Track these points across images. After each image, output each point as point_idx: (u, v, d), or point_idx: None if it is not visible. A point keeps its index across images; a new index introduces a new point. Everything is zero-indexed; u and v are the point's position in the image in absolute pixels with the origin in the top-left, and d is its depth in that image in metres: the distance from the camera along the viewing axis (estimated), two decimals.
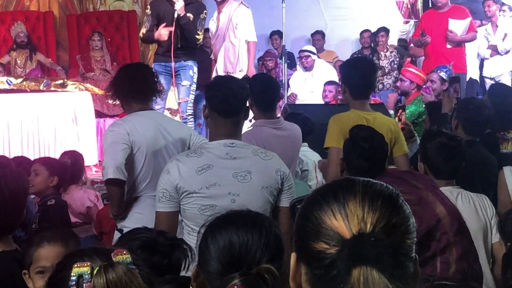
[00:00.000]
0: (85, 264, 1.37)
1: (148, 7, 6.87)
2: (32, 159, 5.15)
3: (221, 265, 1.61)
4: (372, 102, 7.54)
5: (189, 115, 6.71)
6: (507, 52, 8.82)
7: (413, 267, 1.17)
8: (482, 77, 9.14)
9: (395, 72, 9.19)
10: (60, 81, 7.45)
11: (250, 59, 7.29)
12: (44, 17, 9.98)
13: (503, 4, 9.18)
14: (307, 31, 10.53)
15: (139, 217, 3.68)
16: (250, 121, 4.68)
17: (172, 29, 6.39)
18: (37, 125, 6.90)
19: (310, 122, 5.04)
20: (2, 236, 2.40)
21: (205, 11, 6.70)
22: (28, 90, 7.18)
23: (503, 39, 8.78)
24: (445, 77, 6.13)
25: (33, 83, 7.26)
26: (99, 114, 7.89)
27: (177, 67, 6.61)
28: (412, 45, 9.55)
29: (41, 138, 6.89)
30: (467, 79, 8.47)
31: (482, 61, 9.15)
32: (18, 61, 9.28)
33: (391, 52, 9.52)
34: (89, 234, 4.93)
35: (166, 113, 8.49)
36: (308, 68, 8.91)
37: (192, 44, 6.61)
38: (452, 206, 2.92)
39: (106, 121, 7.84)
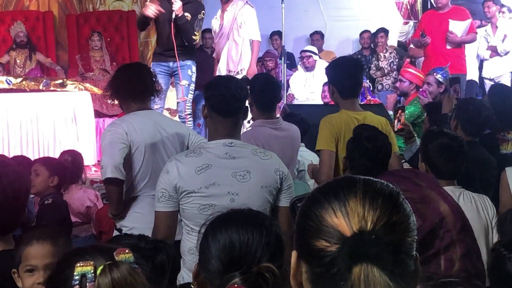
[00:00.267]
0: (88, 263, 1.36)
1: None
2: (31, 158, 5.15)
3: (221, 264, 1.61)
4: (371, 103, 7.57)
5: (188, 114, 6.71)
6: (506, 53, 8.82)
7: (414, 265, 1.17)
8: (481, 78, 9.14)
9: (394, 72, 9.19)
10: (60, 81, 7.44)
11: (253, 57, 7.28)
12: (44, 17, 9.98)
13: (502, 5, 9.18)
14: (307, 32, 10.54)
15: (138, 216, 3.69)
16: (249, 122, 4.68)
17: (158, 8, 6.34)
18: (37, 125, 6.89)
19: (306, 123, 5.04)
20: (2, 235, 2.40)
21: (203, 11, 6.69)
22: (28, 90, 7.17)
23: (503, 40, 8.78)
24: (441, 80, 6.13)
25: (33, 83, 7.26)
26: (98, 114, 7.89)
27: (176, 66, 6.61)
28: (411, 45, 9.55)
29: (41, 137, 6.89)
30: (467, 80, 8.47)
31: (481, 62, 9.15)
32: (18, 61, 9.28)
33: (390, 53, 9.52)
34: (88, 234, 4.94)
35: (166, 113, 8.51)
36: (309, 68, 8.91)
37: (187, 44, 6.61)
38: (455, 204, 2.92)
39: (105, 121, 7.84)
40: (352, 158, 3.29)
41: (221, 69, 7.33)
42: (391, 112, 6.23)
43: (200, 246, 1.69)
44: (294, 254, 1.23)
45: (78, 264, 1.36)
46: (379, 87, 9.34)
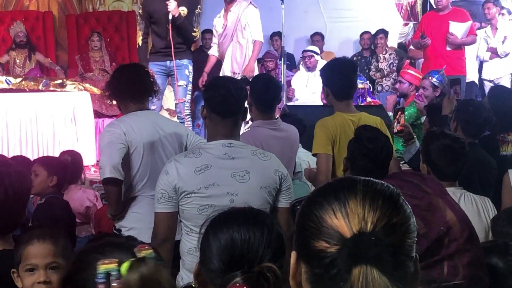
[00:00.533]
0: (112, 261, 1.33)
1: (140, 6, 6.85)
2: (30, 158, 5.15)
3: (222, 263, 1.60)
4: (371, 104, 7.57)
5: (186, 115, 6.71)
6: (506, 55, 8.82)
7: (414, 267, 1.17)
8: (481, 80, 9.14)
9: (394, 74, 9.19)
10: (59, 81, 7.43)
11: (252, 56, 7.26)
12: (43, 17, 9.99)
13: (502, 7, 9.19)
14: (307, 33, 10.54)
15: (137, 216, 3.68)
16: (247, 122, 4.68)
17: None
18: (36, 125, 6.88)
19: (302, 123, 5.03)
20: (3, 235, 2.40)
21: (199, 6, 6.69)
22: (27, 90, 7.17)
23: (503, 42, 8.78)
24: (436, 84, 6.13)
25: (32, 83, 7.25)
26: (97, 114, 7.89)
27: (173, 66, 6.59)
28: (411, 47, 9.55)
29: (40, 138, 6.88)
30: (466, 81, 8.47)
31: (481, 64, 9.15)
32: (17, 61, 9.28)
33: (390, 54, 9.52)
34: (88, 234, 4.93)
35: (165, 113, 8.50)
36: (311, 68, 8.91)
37: (187, 42, 6.60)
38: (462, 213, 2.90)
39: (104, 121, 7.83)
40: (353, 159, 3.29)
41: (225, 70, 7.32)
42: (390, 113, 6.23)
43: (201, 245, 1.68)
44: (293, 254, 1.22)
45: (102, 262, 1.32)
46: (379, 88, 9.34)
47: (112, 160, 3.58)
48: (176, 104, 6.79)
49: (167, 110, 8.68)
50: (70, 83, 7.36)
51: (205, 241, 1.66)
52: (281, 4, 7.86)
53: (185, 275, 2.91)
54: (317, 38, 10.34)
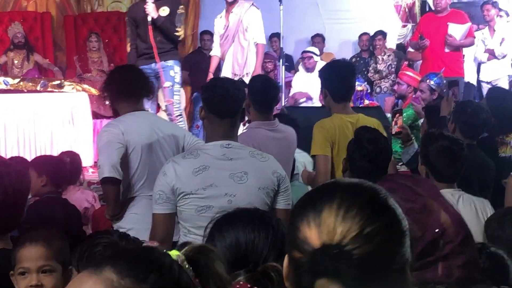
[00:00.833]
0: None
1: (127, 15, 6.90)
2: (28, 159, 5.13)
3: (227, 263, 1.61)
4: (369, 105, 7.57)
5: (177, 116, 6.70)
6: (504, 56, 8.83)
7: (399, 277, 1.14)
8: (479, 81, 9.14)
9: (393, 75, 9.19)
10: (57, 82, 7.43)
11: (258, 61, 7.26)
12: (42, 17, 9.97)
13: (500, 9, 9.19)
14: (306, 34, 10.53)
15: (135, 217, 3.68)
16: (244, 124, 4.67)
17: None
18: (34, 126, 6.88)
19: (296, 123, 5.01)
20: (2, 235, 2.39)
21: (181, 6, 6.68)
22: (25, 91, 7.16)
23: (501, 43, 8.78)
24: (434, 87, 6.13)
25: (30, 84, 7.25)
26: (96, 115, 7.88)
27: (158, 68, 6.60)
28: (410, 49, 9.55)
29: (38, 138, 6.87)
30: (464, 83, 8.47)
31: (479, 65, 9.14)
32: (15, 62, 9.26)
33: (388, 55, 9.52)
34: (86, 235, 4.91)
35: (163, 114, 8.50)
36: (310, 69, 8.91)
37: (172, 42, 6.61)
38: (457, 215, 2.89)
39: (103, 122, 7.81)
40: (352, 160, 3.29)
41: (226, 72, 7.31)
42: (389, 115, 6.23)
43: (206, 243, 1.68)
44: (286, 256, 1.23)
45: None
46: (377, 89, 9.34)
47: (110, 159, 3.57)
48: (166, 105, 6.79)
49: (165, 110, 8.67)
50: (68, 84, 7.35)
51: (211, 241, 1.67)
52: (280, 5, 7.86)
53: None
54: (318, 40, 10.34)
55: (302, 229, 1.15)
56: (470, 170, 3.68)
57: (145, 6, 6.41)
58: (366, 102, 7.84)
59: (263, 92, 4.10)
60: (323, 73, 4.13)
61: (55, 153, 6.13)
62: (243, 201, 2.81)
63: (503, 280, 2.44)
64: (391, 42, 10.29)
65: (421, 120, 5.84)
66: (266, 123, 4.07)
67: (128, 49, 6.88)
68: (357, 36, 10.16)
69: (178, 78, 6.72)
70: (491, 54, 8.88)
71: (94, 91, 7.41)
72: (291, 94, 8.73)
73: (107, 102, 3.94)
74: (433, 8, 8.45)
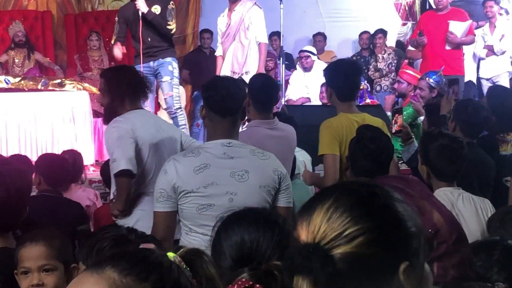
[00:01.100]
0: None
1: (117, 15, 6.95)
2: (30, 158, 5.15)
3: (232, 261, 1.63)
4: (369, 104, 7.58)
5: (177, 108, 6.74)
6: (503, 53, 8.81)
7: (386, 281, 1.16)
8: (478, 78, 9.13)
9: (393, 74, 9.19)
10: (58, 81, 7.44)
11: (261, 60, 7.26)
12: (42, 16, 9.98)
13: (501, 7, 9.19)
14: (306, 32, 10.53)
15: (141, 214, 3.66)
16: (244, 123, 4.68)
17: (123, 51, 6.83)
18: (35, 125, 6.88)
19: (293, 122, 5.02)
20: (4, 233, 2.39)
21: (171, 1, 6.71)
22: (26, 90, 7.17)
23: (500, 40, 8.78)
24: (433, 85, 6.13)
25: (31, 83, 7.25)
26: (96, 114, 7.88)
27: (156, 65, 6.67)
28: (410, 47, 9.55)
29: (39, 137, 6.88)
30: (465, 81, 8.47)
31: (478, 62, 9.14)
32: (16, 60, 9.27)
33: (388, 54, 9.53)
34: None
35: (164, 113, 8.51)
36: (307, 69, 8.92)
37: (165, 38, 6.65)
38: (449, 214, 2.90)
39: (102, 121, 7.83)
40: (354, 159, 3.29)
41: (225, 70, 7.32)
42: (389, 113, 6.24)
43: (213, 242, 1.71)
44: None
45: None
46: (378, 88, 9.34)
47: (127, 153, 3.57)
48: (164, 99, 6.82)
49: (165, 109, 8.68)
50: (69, 83, 7.37)
51: (217, 239, 1.69)
52: (280, 4, 7.86)
53: None
54: (319, 38, 10.35)
55: (298, 228, 1.19)
56: (470, 169, 3.69)
57: (135, 2, 6.47)
58: (367, 100, 7.85)
59: (263, 91, 4.10)
60: (328, 72, 4.13)
61: (56, 151, 6.14)
62: (244, 200, 2.82)
63: None
64: (391, 41, 10.29)
65: (421, 118, 5.84)
66: (265, 121, 4.07)
67: (112, 42, 6.96)
68: (357, 34, 10.16)
69: (176, 73, 6.78)
70: (490, 50, 8.87)
71: (94, 90, 7.41)
72: (287, 95, 8.71)
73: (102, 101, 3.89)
74: (434, 6, 8.45)
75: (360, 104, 7.47)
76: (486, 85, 8.55)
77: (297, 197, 3.98)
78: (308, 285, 1.12)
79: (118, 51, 6.83)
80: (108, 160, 4.02)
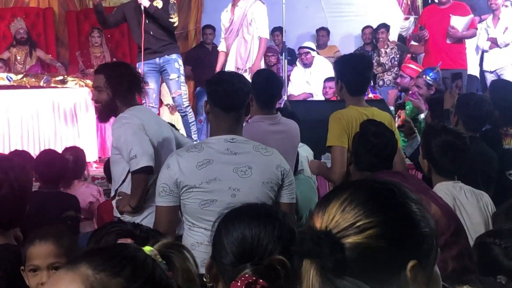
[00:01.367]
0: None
1: (117, 6, 6.93)
2: (32, 155, 5.15)
3: (233, 257, 1.62)
4: (372, 98, 7.57)
5: (186, 107, 6.75)
6: (506, 45, 8.77)
7: (392, 276, 1.18)
8: (482, 71, 9.10)
9: (396, 68, 9.18)
10: (60, 78, 7.44)
11: (259, 54, 7.28)
12: (44, 13, 9.98)
13: None
14: (308, 28, 10.52)
15: (151, 209, 3.63)
16: (247, 121, 4.67)
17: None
18: (37, 122, 6.90)
19: (296, 117, 5.02)
20: (6, 230, 2.39)
21: None
22: (28, 87, 7.17)
23: (504, 32, 8.75)
24: (430, 82, 6.12)
25: (33, 80, 7.26)
26: None
27: (162, 62, 6.66)
28: (412, 42, 9.53)
29: (41, 134, 6.89)
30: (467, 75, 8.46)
31: (482, 55, 9.11)
32: (18, 58, 9.28)
33: (391, 48, 9.50)
34: (92, 230, 4.93)
35: (165, 109, 8.52)
36: (307, 65, 8.92)
37: (168, 32, 6.63)
38: (446, 206, 2.90)
39: None
40: (357, 154, 3.28)
41: (229, 65, 7.32)
42: (392, 108, 6.23)
43: (213, 239, 1.70)
44: None
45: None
46: (380, 83, 9.33)
47: (146, 149, 3.54)
48: (173, 98, 6.82)
49: (167, 105, 8.69)
50: (71, 80, 7.37)
51: (217, 236, 1.68)
52: None
53: None
54: (323, 33, 10.34)
55: (313, 217, 1.23)
56: (473, 163, 3.68)
57: None
58: (370, 95, 7.84)
59: (265, 88, 4.09)
60: (339, 66, 4.13)
61: (59, 148, 6.15)
62: (247, 195, 2.82)
63: None
64: (394, 35, 10.27)
65: (422, 116, 5.84)
66: (267, 117, 4.06)
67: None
68: (360, 29, 10.14)
69: (182, 70, 6.81)
70: (494, 43, 8.84)
71: None
72: (289, 91, 8.70)
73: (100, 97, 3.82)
74: (436, 0, 8.43)
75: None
76: (490, 78, 8.53)
77: (301, 192, 3.98)
78: (315, 269, 1.15)
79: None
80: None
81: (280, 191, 3.04)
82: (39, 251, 2.24)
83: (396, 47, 9.61)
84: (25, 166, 2.49)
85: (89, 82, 7.50)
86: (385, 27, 9.65)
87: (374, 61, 9.45)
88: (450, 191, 3.24)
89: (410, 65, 7.23)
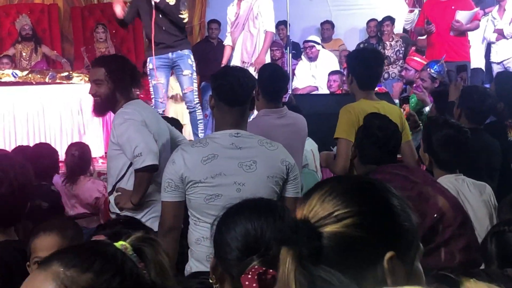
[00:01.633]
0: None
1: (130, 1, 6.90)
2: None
3: (239, 251, 1.63)
4: (377, 91, 7.56)
5: (197, 103, 6.76)
6: None
7: (367, 267, 1.19)
8: (489, 63, 9.06)
9: (401, 61, 9.16)
10: (66, 73, 7.45)
11: (264, 48, 7.27)
12: (49, 9, 10.00)
13: None
14: (313, 21, 10.50)
15: (154, 204, 3.64)
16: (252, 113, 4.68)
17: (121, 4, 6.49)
18: (43, 117, 6.91)
19: (299, 111, 5.01)
20: (6, 227, 2.40)
21: None
22: (34, 83, 7.19)
23: (510, 23, 8.71)
24: (435, 75, 6.11)
25: (39, 76, 7.27)
26: None
27: (175, 57, 6.64)
28: (419, 37, 9.50)
29: (47, 130, 6.91)
30: (471, 67, 8.42)
31: (488, 47, 9.07)
32: (23, 54, 9.30)
33: (396, 41, 9.49)
34: (97, 225, 4.94)
35: (171, 101, 8.51)
36: (312, 59, 8.92)
37: (179, 28, 6.62)
38: (453, 198, 2.90)
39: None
40: (361, 147, 3.27)
41: (235, 59, 7.32)
42: (397, 101, 6.23)
43: (215, 239, 1.70)
44: None
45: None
46: (385, 75, 9.31)
47: (152, 147, 3.54)
48: (184, 94, 6.82)
49: (172, 97, 8.69)
50: (77, 75, 7.38)
51: (218, 235, 1.68)
52: None
53: (194, 265, 2.92)
54: (327, 27, 10.32)
55: (297, 209, 1.25)
56: (477, 155, 3.67)
57: None
58: (375, 88, 7.83)
59: (272, 82, 4.09)
60: (351, 60, 4.13)
61: (64, 144, 6.17)
62: (252, 190, 2.82)
63: None
64: (399, 28, 10.24)
65: (427, 109, 5.84)
66: (273, 110, 4.06)
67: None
68: (364, 22, 10.12)
69: (195, 66, 6.78)
70: (500, 34, 8.80)
71: None
72: (294, 85, 8.70)
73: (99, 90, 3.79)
74: None
75: None
76: (497, 69, 8.51)
77: (306, 186, 3.98)
78: (292, 257, 1.15)
79: (120, 9, 6.48)
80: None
81: (285, 185, 3.04)
82: (43, 243, 2.25)
83: (401, 39, 9.60)
84: (25, 164, 2.49)
85: None
86: (390, 19, 9.62)
87: None
88: (453, 184, 3.24)
89: (415, 58, 7.22)
